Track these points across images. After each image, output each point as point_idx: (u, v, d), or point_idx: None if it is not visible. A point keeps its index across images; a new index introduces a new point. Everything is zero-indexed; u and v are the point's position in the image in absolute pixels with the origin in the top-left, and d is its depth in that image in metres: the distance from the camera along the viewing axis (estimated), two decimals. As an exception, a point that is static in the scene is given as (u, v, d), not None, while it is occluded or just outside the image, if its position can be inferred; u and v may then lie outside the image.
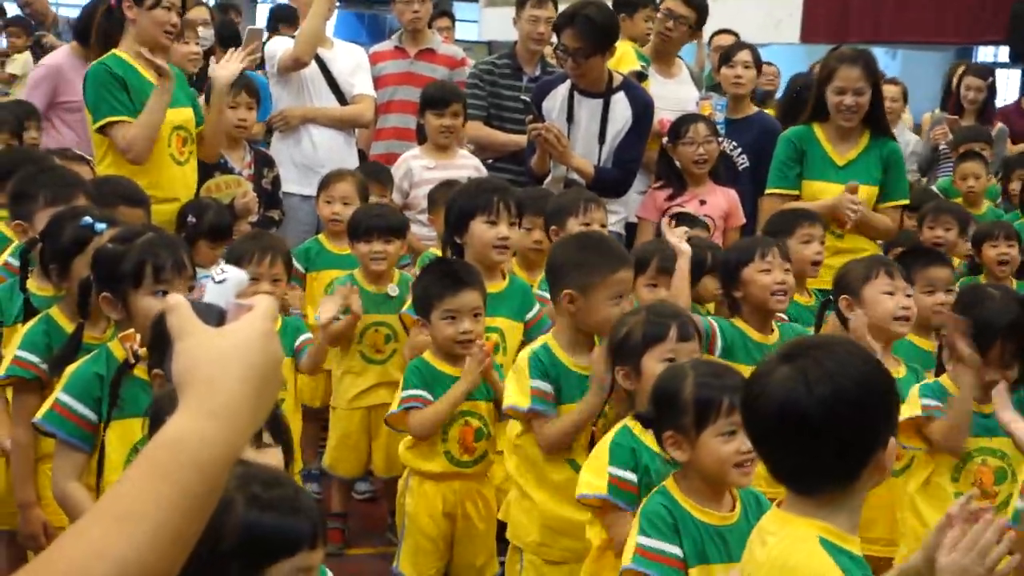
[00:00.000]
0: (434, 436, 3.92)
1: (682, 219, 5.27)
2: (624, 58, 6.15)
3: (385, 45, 7.09)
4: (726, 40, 7.61)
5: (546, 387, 3.55)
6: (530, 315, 4.42)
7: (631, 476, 3.07)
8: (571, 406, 3.57)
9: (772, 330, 4.11)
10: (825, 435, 2.07)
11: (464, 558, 4.05)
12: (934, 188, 7.18)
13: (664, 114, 5.97)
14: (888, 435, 2.08)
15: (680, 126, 5.70)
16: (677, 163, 5.71)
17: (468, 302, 3.92)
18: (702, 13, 6.34)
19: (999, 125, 8.08)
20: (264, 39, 6.69)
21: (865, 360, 2.17)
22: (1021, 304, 3.50)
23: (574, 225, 4.55)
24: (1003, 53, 12.98)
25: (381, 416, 4.93)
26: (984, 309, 3.45)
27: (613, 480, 3.08)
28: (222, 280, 1.46)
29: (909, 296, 3.91)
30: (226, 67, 5.46)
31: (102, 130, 5.10)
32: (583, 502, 3.18)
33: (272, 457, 2.26)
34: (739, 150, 6.25)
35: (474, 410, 3.97)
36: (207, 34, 7.40)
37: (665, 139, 5.76)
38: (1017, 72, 15.29)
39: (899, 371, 3.79)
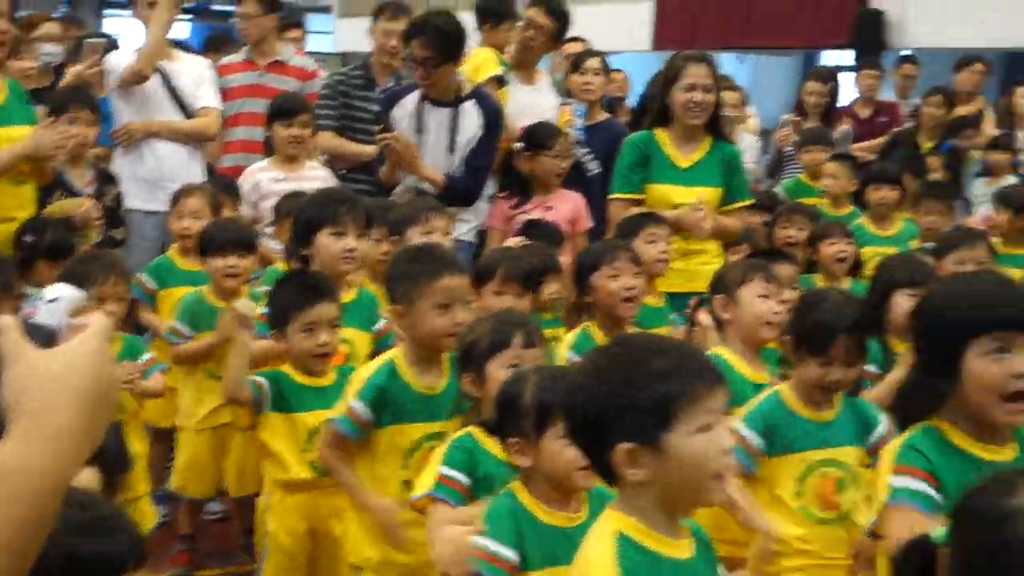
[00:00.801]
0: (298, 442, 3.87)
1: (534, 228, 5.32)
2: (485, 64, 6.23)
3: (235, 57, 7.03)
4: (576, 48, 7.69)
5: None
6: (377, 326, 4.39)
7: (462, 477, 3.05)
8: (408, 426, 3.54)
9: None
10: (577, 430, 2.17)
11: (326, 573, 3.98)
12: (778, 190, 7.34)
13: (524, 121, 6.02)
14: (629, 436, 2.06)
15: (547, 137, 5.73)
16: (526, 171, 5.73)
17: (325, 313, 3.89)
18: (563, 24, 6.41)
19: (842, 127, 8.30)
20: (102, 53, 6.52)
21: (606, 353, 2.19)
22: (861, 305, 3.56)
23: (415, 235, 4.52)
24: (848, 57, 13.34)
25: (231, 435, 4.87)
26: (824, 310, 3.48)
27: (441, 478, 3.06)
28: (54, 299, 1.43)
29: (783, 302, 3.94)
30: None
31: None
32: (414, 505, 3.14)
33: (84, 477, 2.19)
34: (591, 155, 6.31)
35: None
36: (55, 50, 7.24)
37: (518, 145, 5.77)
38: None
39: (763, 377, 3.83)
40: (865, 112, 9.11)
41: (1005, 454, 2.50)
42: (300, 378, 3.94)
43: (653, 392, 2.07)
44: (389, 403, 3.55)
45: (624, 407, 2.08)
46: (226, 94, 6.69)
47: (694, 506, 2.18)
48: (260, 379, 3.93)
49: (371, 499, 3.55)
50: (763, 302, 3.88)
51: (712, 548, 2.28)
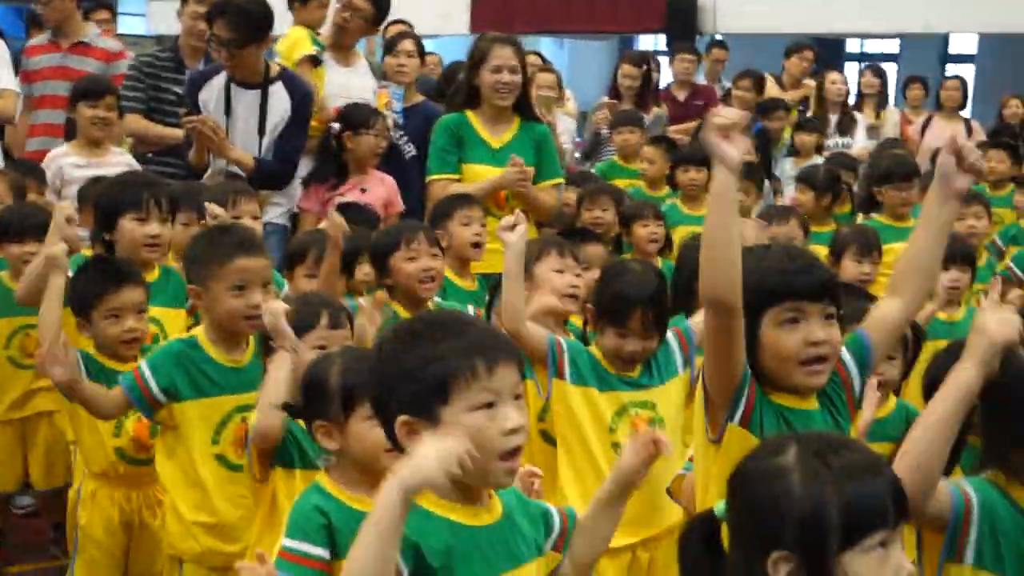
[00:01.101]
0: (107, 429, 3.78)
1: (349, 210, 5.27)
2: (298, 43, 6.15)
3: (41, 39, 6.84)
4: (396, 30, 7.64)
5: None
6: (190, 303, 4.30)
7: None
8: (217, 399, 3.50)
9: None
10: (373, 404, 2.25)
11: (142, 566, 3.92)
12: (593, 171, 7.43)
13: (341, 103, 5.97)
14: (407, 409, 2.08)
15: (366, 116, 5.71)
16: (348, 150, 5.69)
17: (131, 299, 3.81)
18: (381, 9, 6.39)
19: (655, 110, 8.45)
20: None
21: (398, 328, 2.20)
22: (660, 277, 3.62)
23: (225, 219, 4.42)
24: (661, 41, 13.63)
25: (37, 426, 4.73)
26: (624, 282, 3.55)
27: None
28: None
29: (579, 275, 3.99)
30: None
31: None
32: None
33: None
34: (405, 138, 6.29)
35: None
36: None
37: (336, 125, 5.71)
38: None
39: None
40: (681, 95, 9.30)
41: (809, 404, 2.58)
42: (105, 360, 3.84)
43: (432, 366, 2.06)
44: (191, 375, 3.50)
45: (404, 379, 2.08)
46: (31, 76, 6.54)
47: (485, 485, 2.13)
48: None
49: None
50: (559, 276, 3.93)
51: (523, 499, 2.29)
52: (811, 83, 9.44)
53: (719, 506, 2.02)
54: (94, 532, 3.84)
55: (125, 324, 3.79)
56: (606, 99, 8.47)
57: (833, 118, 9.06)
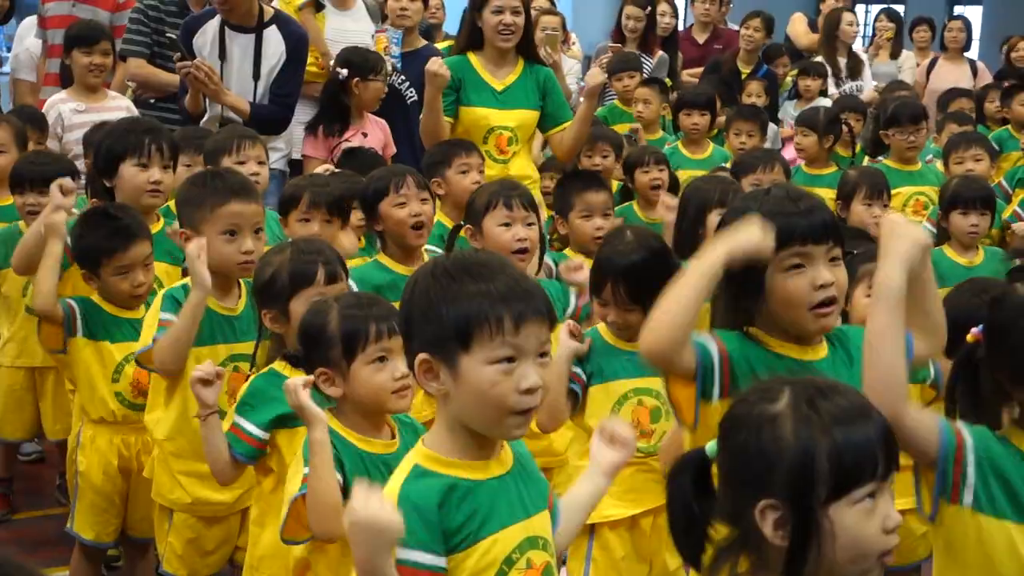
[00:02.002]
0: (105, 375, 3.79)
1: (354, 156, 5.24)
2: None
3: None
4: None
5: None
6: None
7: (252, 428, 3.04)
8: (213, 347, 3.47)
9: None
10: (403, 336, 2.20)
11: (141, 511, 3.91)
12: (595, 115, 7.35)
13: (339, 48, 5.92)
14: (427, 347, 2.04)
15: (375, 62, 5.69)
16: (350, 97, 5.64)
17: (139, 254, 3.79)
18: None
19: (660, 53, 8.35)
20: None
21: (433, 265, 2.14)
22: (650, 250, 3.40)
23: (228, 164, 4.36)
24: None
25: (48, 375, 4.73)
26: (605, 250, 3.43)
27: (234, 429, 3.05)
28: None
29: (530, 225, 3.84)
30: None
31: None
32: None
33: None
34: (407, 83, 6.22)
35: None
36: None
37: (342, 72, 5.65)
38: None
39: None
40: (701, 37, 9.19)
41: (818, 353, 2.54)
42: (110, 308, 3.84)
43: (457, 309, 2.01)
44: None
45: (429, 317, 2.04)
46: (44, 23, 6.60)
47: (493, 436, 2.10)
48: (71, 301, 3.82)
49: None
50: (505, 231, 3.81)
51: (529, 457, 2.25)
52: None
53: (711, 446, 1.99)
54: (93, 477, 3.85)
55: (135, 279, 3.79)
56: (609, 43, 8.37)
57: (842, 61, 8.93)
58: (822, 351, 2.55)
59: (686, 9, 14.28)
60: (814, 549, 1.82)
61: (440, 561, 2.00)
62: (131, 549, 4.08)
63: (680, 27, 9.37)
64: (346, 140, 5.61)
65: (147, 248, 3.82)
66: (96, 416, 3.85)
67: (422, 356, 2.04)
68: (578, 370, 3.34)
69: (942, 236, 5.03)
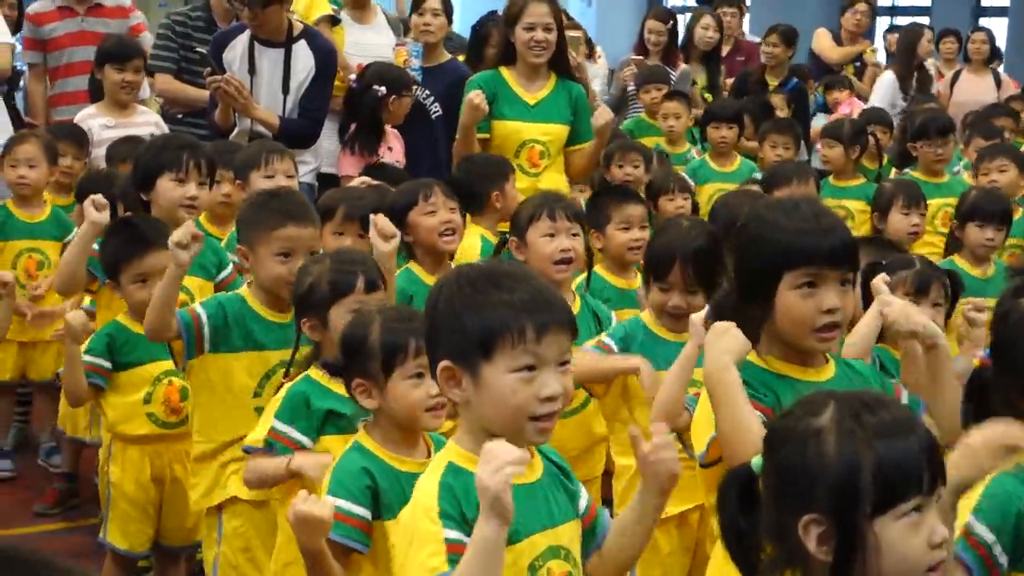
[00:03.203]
0: (137, 399, 3.82)
1: (380, 171, 5.27)
2: (315, 3, 6.11)
3: (45, 5, 6.73)
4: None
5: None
6: (223, 275, 4.28)
7: (294, 434, 3.04)
8: (264, 353, 3.51)
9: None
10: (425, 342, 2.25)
11: (174, 521, 3.96)
12: (621, 128, 7.36)
13: (359, 61, 5.94)
14: (450, 355, 2.07)
15: (408, 80, 5.79)
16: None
17: (158, 263, 3.79)
18: None
19: (683, 66, 8.36)
20: None
21: (460, 272, 2.18)
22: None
23: (257, 178, 4.43)
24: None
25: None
26: (667, 236, 3.53)
27: (272, 434, 3.05)
28: None
29: (575, 236, 3.88)
30: None
31: None
32: (247, 455, 3.13)
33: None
34: (431, 98, 6.24)
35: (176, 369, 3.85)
36: None
37: (381, 89, 5.69)
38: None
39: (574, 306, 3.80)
40: (723, 50, 9.19)
41: (823, 375, 2.55)
42: (137, 328, 3.83)
43: (481, 317, 2.05)
44: (238, 327, 3.51)
45: (452, 325, 2.08)
46: (47, 45, 6.53)
47: (516, 443, 2.06)
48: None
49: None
50: (548, 242, 3.84)
51: (567, 470, 2.27)
52: (867, 41, 9.36)
53: (756, 461, 1.99)
54: (126, 488, 3.88)
55: (152, 289, 3.75)
56: (632, 56, 8.38)
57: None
58: (828, 371, 2.57)
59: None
60: (859, 564, 1.81)
61: None
62: (163, 557, 4.10)
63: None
64: (380, 156, 5.65)
65: (166, 259, 3.76)
66: (129, 435, 3.88)
67: (445, 363, 2.08)
68: (610, 342, 3.46)
69: (956, 246, 5.07)
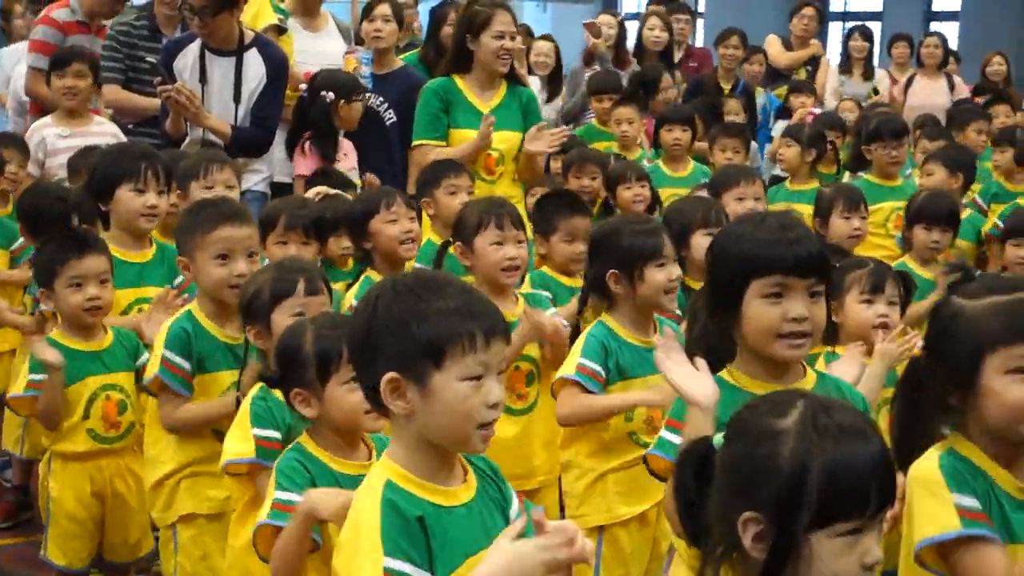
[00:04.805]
0: (74, 415, 3.76)
1: (327, 177, 5.24)
2: (261, 13, 6.06)
3: (67, 15, 6.57)
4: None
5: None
6: (178, 281, 4.25)
7: (275, 434, 3.03)
8: (218, 374, 3.51)
9: None
10: (354, 356, 2.21)
11: (117, 536, 3.91)
12: (575, 134, 7.36)
13: (309, 68, 5.91)
14: (396, 366, 2.05)
15: (356, 85, 5.79)
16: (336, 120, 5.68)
17: (94, 267, 3.77)
18: None
19: (631, 67, 8.42)
20: None
21: (393, 283, 2.15)
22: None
23: (196, 189, 4.40)
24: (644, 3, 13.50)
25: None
26: (631, 233, 3.58)
27: (259, 442, 3.03)
28: None
29: (520, 243, 3.90)
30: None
31: None
32: (230, 469, 3.09)
33: None
34: (385, 104, 6.22)
35: (114, 383, 3.82)
36: None
37: (330, 95, 5.66)
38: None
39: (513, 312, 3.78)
40: (675, 56, 9.22)
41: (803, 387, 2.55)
42: (72, 343, 3.80)
43: (427, 325, 2.03)
44: (193, 352, 3.51)
45: (396, 334, 2.04)
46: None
47: (459, 451, 2.13)
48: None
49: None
50: (496, 250, 3.85)
51: (502, 484, 2.26)
52: (817, 43, 9.43)
53: (718, 438, 2.00)
54: (66, 504, 3.83)
55: (87, 292, 3.75)
56: (584, 22, 8.52)
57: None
58: (808, 384, 2.57)
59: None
60: (790, 570, 1.82)
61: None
62: (110, 573, 4.04)
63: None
64: (337, 161, 5.63)
65: (102, 263, 3.79)
66: (68, 452, 3.82)
67: (390, 376, 2.04)
68: (598, 368, 3.46)
69: (907, 247, 5.16)
